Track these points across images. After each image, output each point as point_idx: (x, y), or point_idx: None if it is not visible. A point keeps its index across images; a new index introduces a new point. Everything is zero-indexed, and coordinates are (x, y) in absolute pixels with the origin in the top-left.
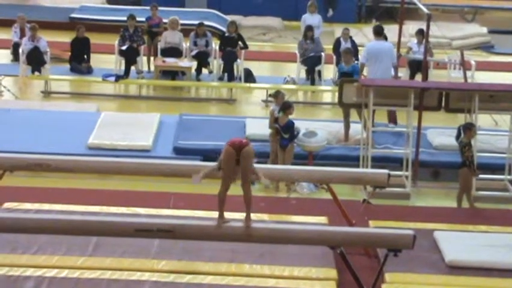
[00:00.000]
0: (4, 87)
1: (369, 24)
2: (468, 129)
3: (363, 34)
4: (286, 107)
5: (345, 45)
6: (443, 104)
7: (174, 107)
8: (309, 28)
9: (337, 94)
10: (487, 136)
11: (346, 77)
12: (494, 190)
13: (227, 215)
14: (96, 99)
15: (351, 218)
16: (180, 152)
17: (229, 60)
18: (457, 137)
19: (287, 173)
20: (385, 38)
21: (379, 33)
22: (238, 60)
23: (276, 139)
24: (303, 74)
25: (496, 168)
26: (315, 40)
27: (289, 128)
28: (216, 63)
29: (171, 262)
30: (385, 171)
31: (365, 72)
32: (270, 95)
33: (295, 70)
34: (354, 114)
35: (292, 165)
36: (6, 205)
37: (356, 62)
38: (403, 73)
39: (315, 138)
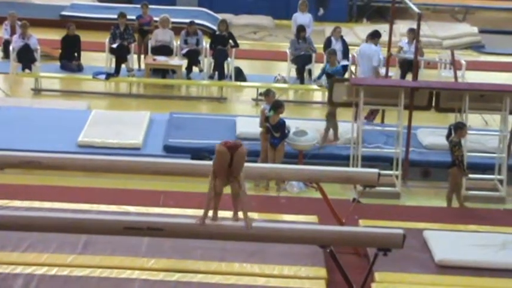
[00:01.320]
0: None
1: (360, 24)
2: (459, 129)
3: (353, 33)
4: (277, 106)
5: (336, 44)
6: (433, 103)
7: (165, 105)
8: (302, 28)
9: (327, 93)
10: (477, 136)
11: (329, 78)
12: (484, 190)
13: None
14: (87, 97)
15: (341, 217)
16: (170, 150)
17: (219, 58)
18: (448, 136)
19: (277, 172)
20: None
21: (371, 36)
22: (229, 58)
23: (267, 138)
24: (294, 73)
25: (486, 168)
26: (307, 40)
27: (280, 127)
28: (206, 62)
29: (160, 260)
30: (375, 170)
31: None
32: (260, 94)
33: (286, 69)
34: (344, 113)
35: (283, 164)
36: None
37: (340, 63)
38: (394, 72)
39: (305, 137)
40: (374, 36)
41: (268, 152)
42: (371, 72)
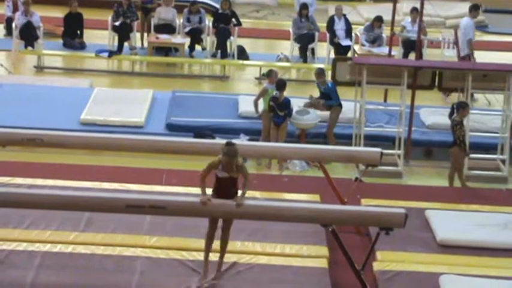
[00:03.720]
0: None
1: (363, 3)
2: (462, 108)
3: (357, 12)
4: (282, 84)
5: (339, 23)
6: (436, 83)
7: (167, 83)
8: (304, 6)
9: (330, 72)
10: (480, 115)
11: (323, 97)
12: (487, 170)
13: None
14: (89, 74)
15: (343, 196)
16: (173, 128)
17: (222, 37)
18: (450, 115)
19: (279, 151)
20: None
21: (469, 9)
22: (232, 37)
23: (269, 116)
24: (296, 52)
25: (488, 147)
26: (310, 18)
27: (286, 105)
28: (209, 40)
29: (162, 238)
30: (378, 149)
31: None
32: (263, 75)
33: (289, 47)
34: (347, 93)
35: (285, 143)
36: None
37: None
38: (397, 52)
39: (307, 116)
40: (469, 9)
41: (271, 130)
42: (461, 45)
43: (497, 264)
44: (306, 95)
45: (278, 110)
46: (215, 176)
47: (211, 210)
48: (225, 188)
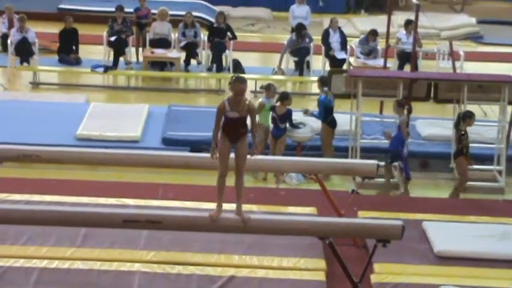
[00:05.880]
0: None
1: (358, 15)
2: (468, 118)
3: (351, 25)
4: (284, 97)
5: (334, 35)
6: (432, 94)
7: (163, 97)
8: (300, 27)
9: None
10: (476, 126)
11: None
12: (483, 180)
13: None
14: (85, 90)
15: (340, 208)
16: (169, 143)
17: (218, 51)
18: (456, 124)
19: (276, 164)
20: None
21: None
22: (227, 51)
23: (264, 129)
24: (292, 65)
25: (485, 158)
26: (306, 36)
27: (288, 116)
28: (204, 54)
29: (160, 253)
30: (374, 161)
31: None
32: (261, 87)
33: (284, 61)
34: (343, 105)
35: (281, 156)
36: None
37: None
38: (392, 64)
39: (303, 129)
40: None
41: (270, 143)
42: None
43: (495, 275)
44: (302, 108)
45: (279, 121)
46: (224, 117)
47: (208, 225)
48: (235, 127)
